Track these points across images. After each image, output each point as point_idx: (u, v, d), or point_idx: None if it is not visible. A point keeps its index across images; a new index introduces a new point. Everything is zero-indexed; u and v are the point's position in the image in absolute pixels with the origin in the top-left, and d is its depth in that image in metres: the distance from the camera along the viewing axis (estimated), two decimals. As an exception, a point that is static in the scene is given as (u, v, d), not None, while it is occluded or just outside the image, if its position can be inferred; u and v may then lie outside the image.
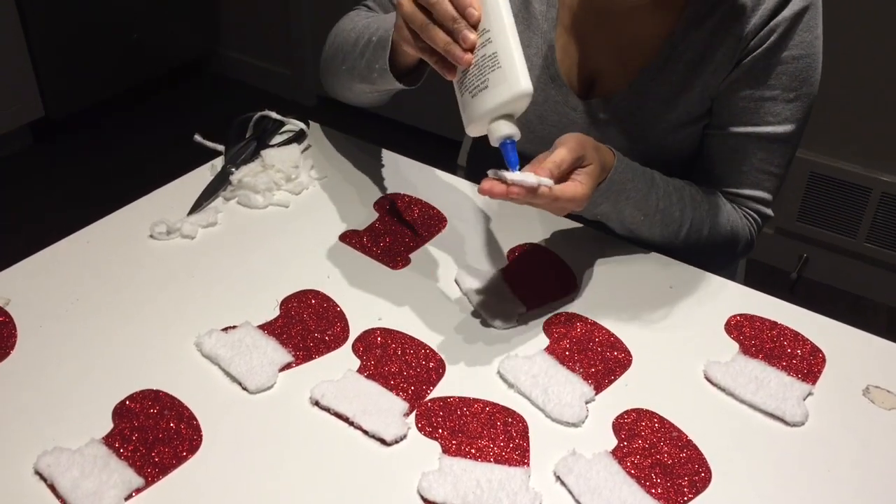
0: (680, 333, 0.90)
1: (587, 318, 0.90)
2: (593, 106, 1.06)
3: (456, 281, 0.95)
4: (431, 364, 0.84)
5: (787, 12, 0.96)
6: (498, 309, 0.91)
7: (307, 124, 1.20)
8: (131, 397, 0.79)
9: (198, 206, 1.05)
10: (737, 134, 1.02)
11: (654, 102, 1.03)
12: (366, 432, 0.76)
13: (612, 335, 0.88)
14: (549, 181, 0.81)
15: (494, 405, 0.80)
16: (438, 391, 0.81)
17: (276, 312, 0.89)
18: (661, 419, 0.79)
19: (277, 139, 1.17)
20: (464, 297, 0.93)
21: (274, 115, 1.17)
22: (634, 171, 0.95)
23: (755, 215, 1.06)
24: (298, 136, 1.18)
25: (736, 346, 0.88)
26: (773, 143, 1.01)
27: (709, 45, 0.99)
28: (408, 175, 1.14)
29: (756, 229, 1.07)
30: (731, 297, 0.95)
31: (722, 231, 1.03)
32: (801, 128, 1.02)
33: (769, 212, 1.07)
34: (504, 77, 0.78)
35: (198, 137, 1.14)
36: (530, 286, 0.95)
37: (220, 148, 1.14)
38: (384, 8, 1.17)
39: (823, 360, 0.86)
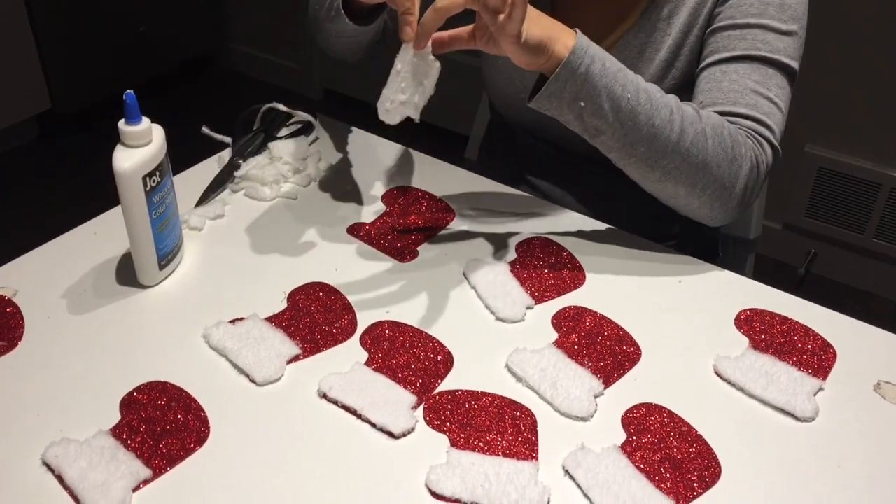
0: (689, 328, 0.89)
1: (596, 312, 0.90)
2: None
3: (464, 274, 0.95)
4: (439, 357, 0.83)
5: None
6: (506, 302, 0.90)
7: (315, 116, 1.19)
8: (139, 389, 0.78)
9: (205, 198, 1.05)
10: (728, 58, 0.97)
11: (645, 63, 1.03)
12: (373, 425, 0.76)
13: (621, 329, 0.88)
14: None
15: (503, 399, 0.79)
16: (446, 384, 0.81)
17: (284, 305, 0.89)
18: (671, 414, 0.79)
19: (285, 131, 1.17)
20: (472, 290, 0.93)
21: (281, 106, 1.16)
22: (601, 58, 0.88)
23: (759, 137, 0.95)
24: (306, 128, 1.18)
25: (746, 340, 0.87)
26: (766, 66, 0.96)
27: (694, 2, 1.00)
28: (416, 168, 1.14)
29: (763, 154, 0.95)
30: (741, 291, 0.95)
31: (723, 140, 0.92)
32: (796, 67, 0.98)
33: (773, 138, 0.96)
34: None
35: (205, 129, 1.14)
36: (539, 279, 0.94)
37: (228, 140, 1.14)
38: None
39: (834, 356, 0.86)
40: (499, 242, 1.00)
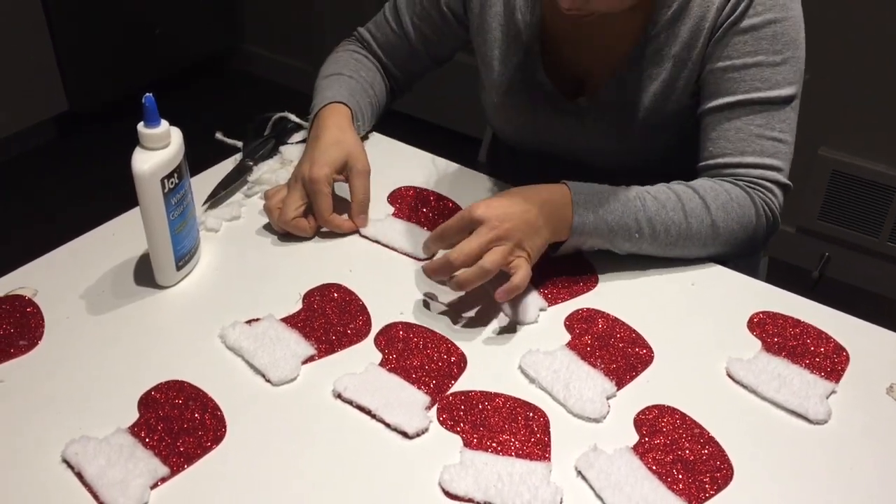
0: (702, 330, 0.89)
1: (609, 314, 0.90)
2: (581, 105, 1.07)
3: (477, 276, 0.95)
4: (453, 358, 0.84)
5: None
6: (519, 304, 0.91)
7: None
8: (157, 388, 0.79)
9: (213, 196, 1.05)
10: (728, 104, 0.99)
11: (638, 97, 1.03)
12: (388, 425, 0.77)
13: (634, 331, 0.88)
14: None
15: (516, 400, 0.80)
16: (460, 385, 0.81)
17: (299, 306, 0.90)
18: (683, 416, 0.79)
19: (297, 137, 1.17)
20: (485, 293, 0.93)
21: (293, 117, 1.17)
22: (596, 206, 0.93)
23: (767, 183, 0.98)
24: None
25: (758, 343, 0.88)
26: (768, 107, 0.98)
27: (687, 36, 0.99)
28: (428, 170, 1.14)
29: (773, 199, 0.99)
30: (754, 294, 0.95)
31: (733, 213, 0.96)
32: (797, 93, 0.99)
33: (781, 178, 0.99)
34: None
35: (219, 135, 1.15)
36: (551, 282, 0.95)
37: (240, 144, 1.15)
38: (383, 32, 1.19)
39: (847, 359, 0.86)
40: (512, 244, 1.00)
